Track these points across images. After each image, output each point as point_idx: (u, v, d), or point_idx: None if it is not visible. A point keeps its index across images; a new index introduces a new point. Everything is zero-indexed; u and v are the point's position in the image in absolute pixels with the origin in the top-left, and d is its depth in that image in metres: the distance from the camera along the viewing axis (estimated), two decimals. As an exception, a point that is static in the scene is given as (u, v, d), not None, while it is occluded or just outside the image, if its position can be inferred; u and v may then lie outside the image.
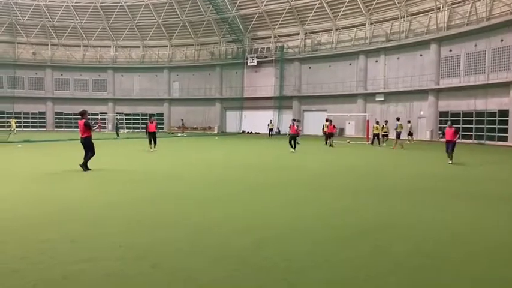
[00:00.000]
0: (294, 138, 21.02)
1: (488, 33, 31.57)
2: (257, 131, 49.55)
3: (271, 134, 42.76)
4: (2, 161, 15.63)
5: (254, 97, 49.83)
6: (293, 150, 20.52)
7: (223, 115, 53.66)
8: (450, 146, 15.90)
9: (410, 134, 32.08)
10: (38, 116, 55.79)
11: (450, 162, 15.72)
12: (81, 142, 12.34)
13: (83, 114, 12.47)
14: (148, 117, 24.30)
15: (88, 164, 12.19)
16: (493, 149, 25.53)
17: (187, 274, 4.15)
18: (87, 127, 12.22)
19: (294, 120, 23.08)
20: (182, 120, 49.58)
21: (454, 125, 16.54)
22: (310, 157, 18.54)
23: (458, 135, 16.18)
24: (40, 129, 54.38)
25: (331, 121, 27.42)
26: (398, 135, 25.57)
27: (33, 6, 51.83)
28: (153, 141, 20.48)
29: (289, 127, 22.28)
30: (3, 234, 5.45)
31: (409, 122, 33.06)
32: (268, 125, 43.36)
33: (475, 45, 32.92)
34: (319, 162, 16.12)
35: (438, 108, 36.16)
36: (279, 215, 6.87)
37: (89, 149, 12.25)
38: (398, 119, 27.98)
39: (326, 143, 26.94)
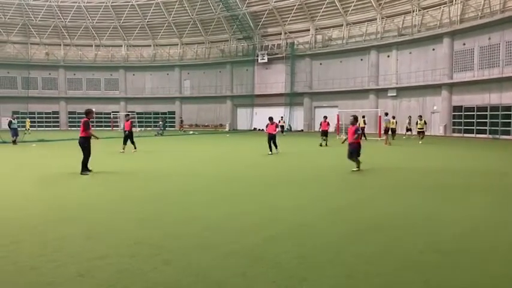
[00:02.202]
0: (272, 139, 17.70)
1: (502, 25, 30.99)
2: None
3: (283, 131, 40.54)
4: (17, 160, 15.90)
5: (265, 94, 49.78)
6: (270, 152, 17.41)
7: (234, 112, 53.71)
8: (353, 152, 11.82)
9: (387, 130, 29.08)
10: (51, 115, 56.49)
11: (355, 169, 11.82)
12: (78, 142, 11.64)
13: (88, 113, 11.84)
14: (124, 115, 21.08)
15: (88, 165, 11.53)
16: (509, 143, 25.14)
17: (199, 271, 4.19)
18: (85, 126, 11.47)
19: (270, 118, 18.31)
20: (181, 117, 49.92)
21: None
22: (316, 154, 18.48)
23: (358, 134, 11.88)
24: (54, 128, 55.08)
25: (325, 117, 23.53)
26: (386, 131, 25.12)
27: (46, 7, 52.42)
28: (128, 141, 18.70)
29: (266, 126, 18.18)
30: (21, 233, 5.56)
31: (393, 117, 31.30)
32: (279, 121, 41.74)
33: (489, 39, 32.37)
34: (327, 160, 16.06)
35: (452, 103, 35.65)
36: (289, 211, 6.88)
37: (84, 150, 11.46)
38: (386, 114, 27.60)
39: (324, 143, 22.54)
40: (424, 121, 26.82)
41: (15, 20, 53.22)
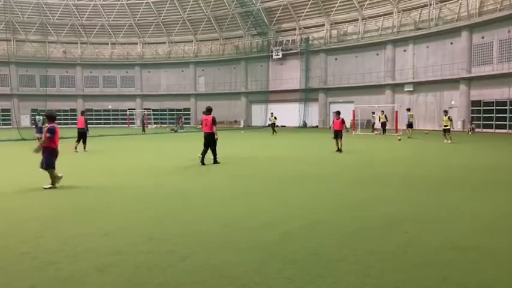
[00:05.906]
0: (211, 141, 12.57)
1: (522, 18, 30.34)
2: (283, 124, 49.36)
3: (275, 131, 32.02)
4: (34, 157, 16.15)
5: (280, 90, 49.63)
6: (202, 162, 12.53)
7: (249, 109, 53.73)
8: (48, 161, 8.98)
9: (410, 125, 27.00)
10: (69, 113, 57.32)
11: (47, 186, 8.77)
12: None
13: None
14: (83, 112, 19.09)
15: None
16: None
17: (216, 267, 4.21)
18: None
19: (207, 111, 13.14)
20: (180, 115, 50.49)
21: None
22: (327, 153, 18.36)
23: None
24: (72, 126, 55.84)
25: (338, 113, 17.39)
26: (409, 125, 26.62)
27: (63, 6, 53.18)
28: (81, 140, 17.51)
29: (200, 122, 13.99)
30: (42, 229, 5.67)
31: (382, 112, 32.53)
32: (270, 118, 33.75)
33: (509, 32, 31.66)
34: (342, 156, 15.94)
35: (470, 98, 35.04)
36: (304, 208, 6.86)
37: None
38: (408, 109, 27.65)
39: (338, 148, 16.90)
40: (449, 117, 22.77)
41: (33, 19, 54.10)
